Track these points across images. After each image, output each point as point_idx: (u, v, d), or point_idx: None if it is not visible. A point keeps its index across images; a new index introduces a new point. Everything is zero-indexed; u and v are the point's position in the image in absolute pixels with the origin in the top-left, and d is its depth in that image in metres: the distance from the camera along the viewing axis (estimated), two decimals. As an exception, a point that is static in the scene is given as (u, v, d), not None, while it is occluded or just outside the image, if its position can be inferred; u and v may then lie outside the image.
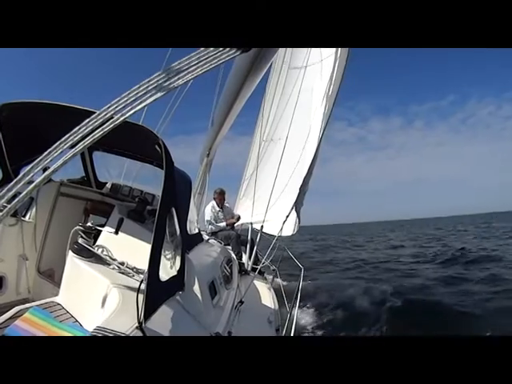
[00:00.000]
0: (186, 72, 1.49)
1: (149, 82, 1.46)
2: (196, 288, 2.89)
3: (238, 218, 7.40)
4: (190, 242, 3.33)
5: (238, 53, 1.52)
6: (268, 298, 5.52)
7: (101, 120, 1.39)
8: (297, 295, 5.19)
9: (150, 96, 1.46)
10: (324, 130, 5.83)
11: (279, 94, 8.76)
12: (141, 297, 1.89)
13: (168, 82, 1.47)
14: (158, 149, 2.44)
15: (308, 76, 7.52)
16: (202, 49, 1.48)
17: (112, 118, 1.42)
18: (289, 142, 6.70)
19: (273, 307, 5.19)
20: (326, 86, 6.49)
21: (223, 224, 7.08)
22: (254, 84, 3.39)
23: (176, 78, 1.48)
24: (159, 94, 1.47)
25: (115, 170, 4.45)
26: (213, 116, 5.89)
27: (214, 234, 6.60)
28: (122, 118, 1.44)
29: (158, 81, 1.46)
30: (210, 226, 6.98)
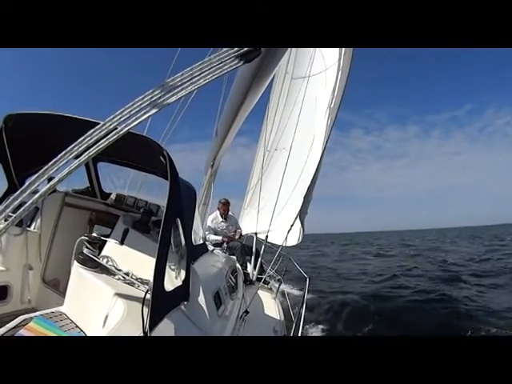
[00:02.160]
0: (189, 83, 1.51)
1: (153, 92, 1.48)
2: (201, 298, 2.88)
3: (240, 235, 7.16)
4: (194, 252, 3.33)
5: (233, 67, 1.53)
6: (273, 308, 5.49)
7: (105, 131, 1.41)
8: (302, 305, 5.15)
9: (154, 107, 1.48)
10: (327, 141, 5.85)
11: (283, 104, 8.80)
12: (146, 307, 1.89)
13: (170, 94, 1.49)
14: (163, 160, 2.45)
15: (311, 86, 7.55)
16: (196, 64, 1.49)
17: (116, 128, 1.43)
18: (293, 151, 6.70)
19: (278, 317, 5.16)
20: (329, 96, 6.52)
21: (219, 238, 6.82)
22: (257, 94, 3.41)
23: (177, 90, 1.49)
24: (164, 104, 1.49)
25: (120, 181, 4.47)
26: (216, 126, 5.90)
27: (218, 244, 6.52)
28: (126, 129, 1.45)
29: (160, 92, 1.48)
30: (207, 236, 6.82)
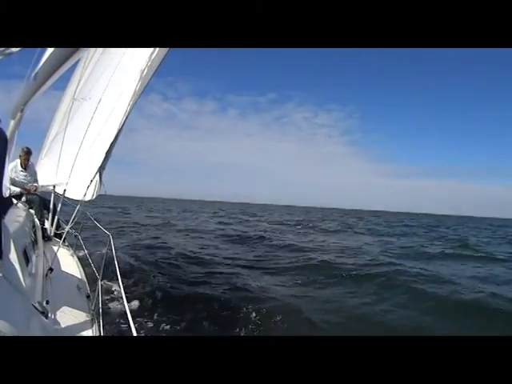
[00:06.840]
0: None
1: None
2: (12, 255, 2.71)
3: (35, 190, 6.67)
4: (4, 205, 3.04)
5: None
6: (73, 265, 5.31)
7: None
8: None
9: None
10: (136, 101, 5.79)
11: (99, 53, 8.13)
12: None
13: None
14: None
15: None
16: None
17: None
18: (100, 104, 6.39)
19: (79, 275, 5.03)
20: (147, 57, 6.41)
21: (18, 190, 6.36)
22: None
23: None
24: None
25: None
26: (39, 68, 5.14)
27: (17, 196, 5.87)
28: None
29: None
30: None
